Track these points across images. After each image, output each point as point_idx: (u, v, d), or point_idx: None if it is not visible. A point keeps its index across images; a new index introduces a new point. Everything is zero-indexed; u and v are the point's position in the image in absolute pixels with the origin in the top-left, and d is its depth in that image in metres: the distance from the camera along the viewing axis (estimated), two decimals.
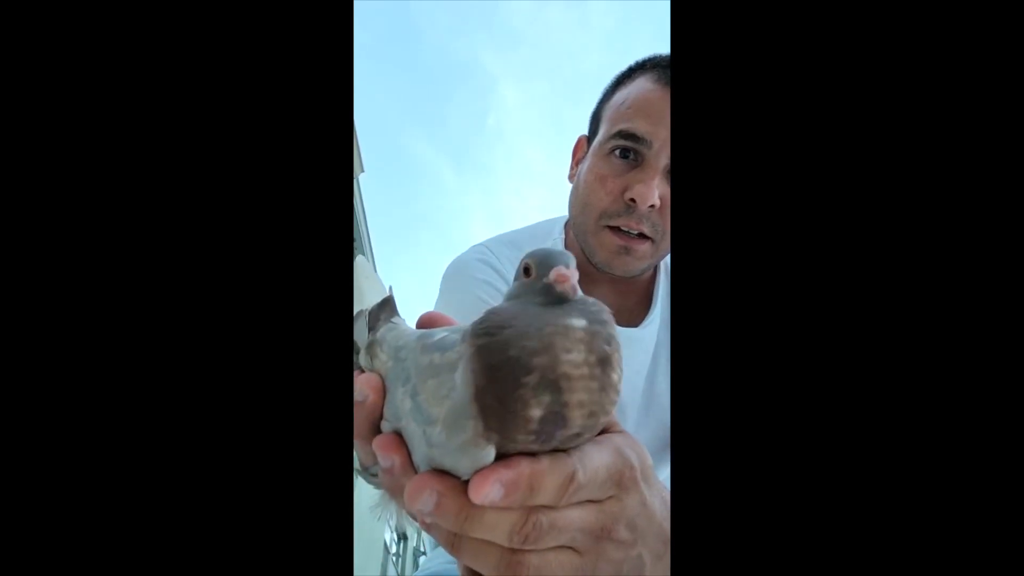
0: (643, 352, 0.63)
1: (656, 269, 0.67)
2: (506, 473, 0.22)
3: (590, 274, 0.62)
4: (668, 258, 0.67)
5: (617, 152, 0.57)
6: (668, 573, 0.26)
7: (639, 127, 0.55)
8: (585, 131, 0.67)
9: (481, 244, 0.66)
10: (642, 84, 0.57)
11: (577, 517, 0.24)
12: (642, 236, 0.56)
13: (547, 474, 0.22)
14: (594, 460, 0.24)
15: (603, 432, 0.25)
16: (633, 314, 0.64)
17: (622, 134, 0.56)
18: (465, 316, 0.66)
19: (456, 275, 0.63)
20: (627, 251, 0.57)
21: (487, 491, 0.22)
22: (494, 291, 0.58)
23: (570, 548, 0.24)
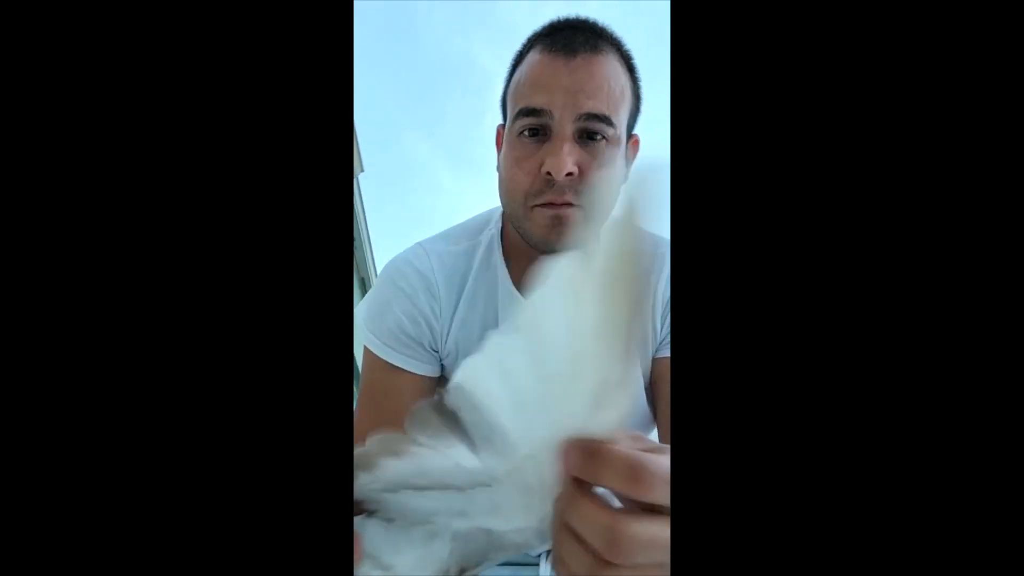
0: None
1: None
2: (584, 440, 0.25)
3: (530, 259, 0.63)
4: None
5: (526, 132, 0.57)
6: None
7: (536, 100, 0.55)
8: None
9: (420, 244, 0.67)
10: (531, 59, 0.58)
11: (665, 532, 0.24)
12: (568, 204, 0.56)
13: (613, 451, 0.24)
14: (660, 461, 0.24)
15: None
16: None
17: (523, 112, 0.56)
18: (378, 320, 0.68)
19: (385, 277, 0.65)
20: (559, 220, 0.57)
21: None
22: (406, 301, 0.61)
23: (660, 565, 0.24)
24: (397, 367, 0.61)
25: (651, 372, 0.65)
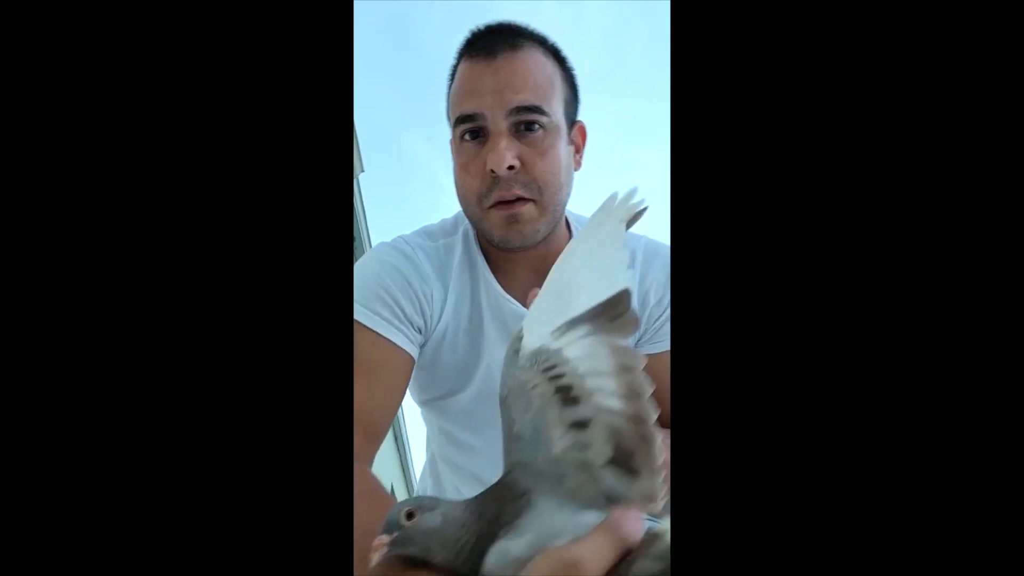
0: None
1: None
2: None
3: (507, 258, 0.65)
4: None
5: (466, 136, 0.60)
6: None
7: (467, 106, 0.59)
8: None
9: (401, 236, 0.70)
10: (460, 70, 0.62)
11: None
12: (521, 199, 0.59)
13: None
14: None
15: None
16: None
17: (459, 120, 0.60)
18: (363, 289, 0.68)
19: (371, 258, 0.67)
20: (514, 219, 0.59)
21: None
22: (395, 272, 0.62)
23: None
24: (382, 336, 0.60)
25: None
